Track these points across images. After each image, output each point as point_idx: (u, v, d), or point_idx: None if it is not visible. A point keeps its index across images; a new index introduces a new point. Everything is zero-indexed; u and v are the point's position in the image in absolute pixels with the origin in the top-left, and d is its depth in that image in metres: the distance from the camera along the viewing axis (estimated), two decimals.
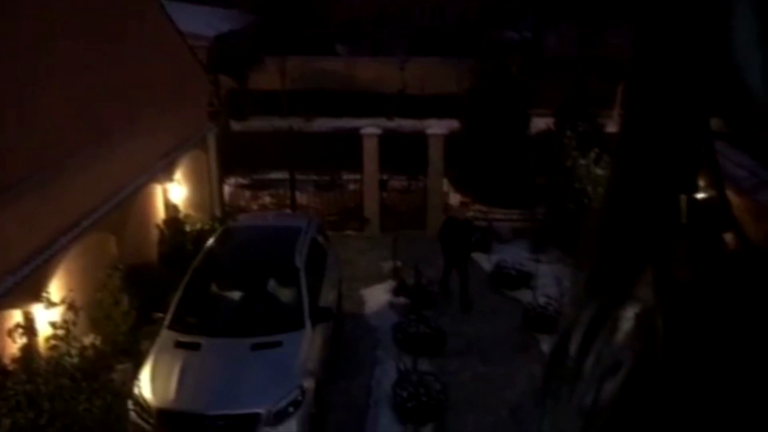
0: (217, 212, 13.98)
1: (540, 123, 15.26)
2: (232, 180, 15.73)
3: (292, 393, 7.86)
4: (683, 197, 0.42)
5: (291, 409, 7.79)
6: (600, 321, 0.46)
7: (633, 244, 0.44)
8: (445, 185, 15.15)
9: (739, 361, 0.38)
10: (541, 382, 0.52)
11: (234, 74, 19.72)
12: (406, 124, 17.19)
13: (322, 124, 17.36)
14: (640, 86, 0.43)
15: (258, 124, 16.88)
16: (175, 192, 12.15)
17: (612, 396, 0.46)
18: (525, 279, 12.05)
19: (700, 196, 0.42)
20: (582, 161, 12.61)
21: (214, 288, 9.44)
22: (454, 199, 15.35)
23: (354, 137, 14.84)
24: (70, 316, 8.16)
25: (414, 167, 14.94)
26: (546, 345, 10.27)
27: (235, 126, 16.74)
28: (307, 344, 8.53)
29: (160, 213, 11.87)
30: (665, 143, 0.41)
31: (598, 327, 0.46)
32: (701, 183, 0.43)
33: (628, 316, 0.45)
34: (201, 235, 11.33)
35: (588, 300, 0.47)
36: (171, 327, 8.65)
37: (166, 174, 11.95)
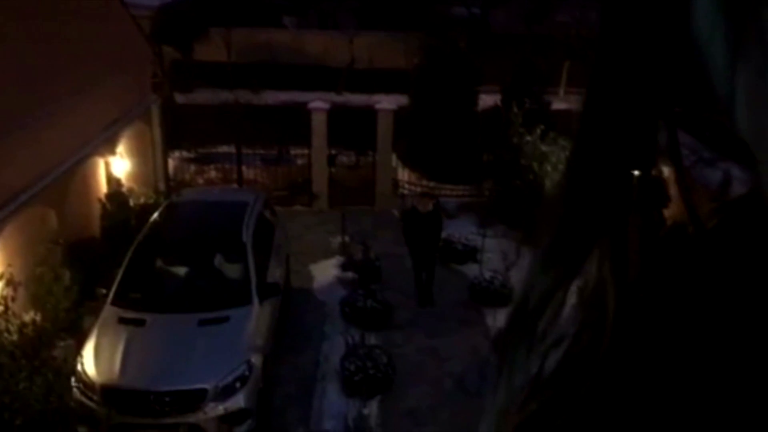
0: (162, 186, 13.74)
1: (487, 99, 15.38)
2: (176, 154, 15.43)
3: (239, 368, 7.84)
4: (635, 174, 0.43)
5: (238, 385, 7.77)
6: (551, 293, 0.47)
7: (588, 217, 0.45)
8: (394, 161, 15.19)
9: (685, 343, 0.39)
10: (497, 354, 0.52)
11: (178, 45, 19.26)
12: (355, 98, 17.13)
13: (270, 97, 17.15)
14: (602, 64, 0.43)
15: (203, 96, 16.59)
16: (117, 165, 11.87)
17: (554, 369, 0.46)
18: (471, 253, 12.23)
19: (650, 173, 0.44)
20: (528, 138, 12.79)
21: (158, 263, 9.30)
22: (403, 174, 15.42)
23: (302, 111, 14.72)
24: (9, 292, 7.94)
25: (363, 142, 14.92)
26: (491, 318, 10.46)
27: (180, 98, 16.39)
28: (255, 319, 8.50)
29: (103, 187, 11.60)
30: (625, 122, 0.42)
31: (549, 299, 0.47)
32: (659, 162, 0.44)
33: (578, 290, 0.46)
34: (145, 210, 11.12)
35: (543, 272, 0.48)
36: (114, 303, 8.50)
37: (109, 147, 11.66)
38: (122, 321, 8.27)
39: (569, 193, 0.46)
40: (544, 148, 12.64)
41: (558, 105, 15.23)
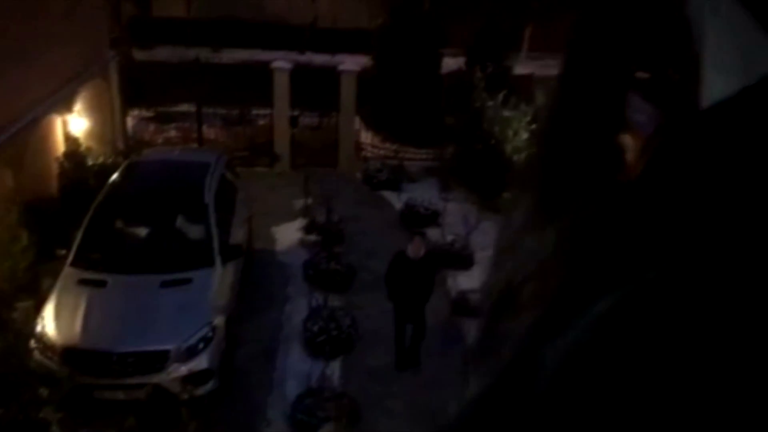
0: (121, 145, 13.51)
1: (451, 62, 15.36)
2: (135, 112, 15.14)
3: (202, 329, 7.89)
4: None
5: (201, 346, 7.83)
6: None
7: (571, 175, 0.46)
8: (357, 123, 15.14)
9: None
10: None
11: (136, 0, 18.75)
12: (318, 58, 16.93)
13: (231, 55, 16.83)
14: (583, 33, 0.47)
15: (163, 53, 16.21)
16: (75, 124, 11.62)
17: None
18: (433, 217, 12.35)
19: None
20: (490, 102, 12.85)
21: (119, 224, 9.22)
22: (366, 136, 15.38)
23: (264, 70, 14.52)
24: None
25: (326, 103, 14.81)
26: (451, 280, 10.63)
27: (139, 55, 15.99)
28: (218, 281, 8.52)
29: (60, 146, 11.35)
30: (602, 86, 0.46)
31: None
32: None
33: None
34: (104, 169, 10.95)
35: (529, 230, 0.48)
36: (74, 264, 8.44)
37: (66, 105, 11.39)
38: (82, 282, 8.22)
39: (551, 151, 0.49)
40: (505, 113, 12.74)
41: (520, 69, 15.29)
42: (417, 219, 12.39)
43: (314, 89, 14.37)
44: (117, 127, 13.88)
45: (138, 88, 14.53)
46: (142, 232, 9.12)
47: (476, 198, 12.95)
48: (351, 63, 15.03)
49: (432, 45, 15.15)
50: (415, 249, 8.51)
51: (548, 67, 16.39)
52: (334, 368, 8.62)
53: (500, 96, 12.78)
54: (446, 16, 16.23)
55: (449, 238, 11.27)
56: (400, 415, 8.10)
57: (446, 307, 9.96)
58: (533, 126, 12.86)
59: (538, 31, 18.30)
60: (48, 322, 7.74)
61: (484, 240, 11.65)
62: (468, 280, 10.33)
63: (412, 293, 8.43)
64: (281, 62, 14.63)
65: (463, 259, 10.94)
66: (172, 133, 15.37)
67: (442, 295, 10.27)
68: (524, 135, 12.80)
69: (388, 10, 15.72)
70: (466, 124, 13.26)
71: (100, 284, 8.22)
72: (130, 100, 14.54)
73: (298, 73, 14.60)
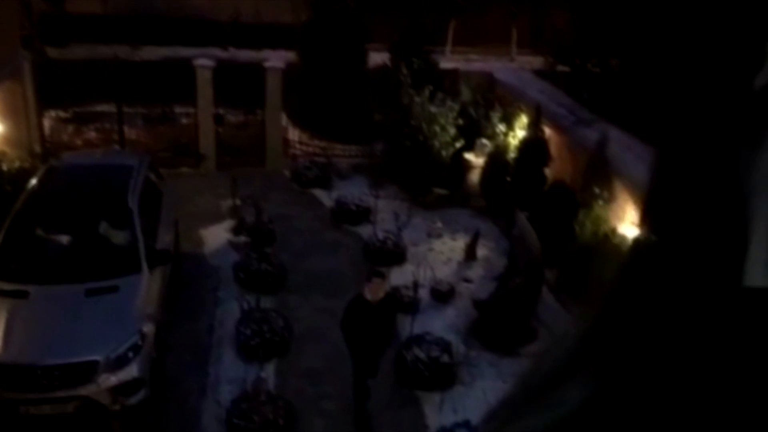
0: (38, 149, 13.00)
1: (376, 58, 15.37)
2: (52, 113, 14.56)
3: (131, 338, 7.70)
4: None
5: (131, 354, 7.65)
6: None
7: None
8: (284, 119, 14.99)
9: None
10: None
11: None
12: (242, 54, 16.61)
13: (151, 52, 16.34)
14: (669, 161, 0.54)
15: (79, 51, 15.57)
16: None
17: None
18: (365, 214, 12.38)
19: None
20: (417, 98, 12.93)
21: (40, 232, 8.87)
22: (293, 134, 15.26)
23: (186, 68, 14.20)
24: None
25: (251, 100, 14.61)
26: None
27: (53, 54, 15.34)
28: (145, 288, 8.33)
29: None
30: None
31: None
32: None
33: None
34: (20, 175, 10.54)
35: None
36: None
37: None
38: (2, 294, 7.93)
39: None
40: (432, 109, 12.85)
41: (445, 64, 15.44)
42: (348, 216, 12.42)
43: (239, 86, 14.16)
44: (33, 129, 13.34)
45: (54, 88, 13.98)
46: (64, 239, 8.80)
47: (406, 194, 13.05)
48: (276, 59, 14.87)
49: (357, 41, 15.13)
50: (373, 290, 7.50)
51: (472, 62, 16.65)
52: (269, 371, 8.56)
53: (427, 91, 12.88)
54: (370, 11, 16.23)
55: (381, 235, 11.32)
56: (335, 416, 8.11)
57: None
58: (460, 121, 13.04)
59: (462, 26, 18.54)
60: None
61: (416, 236, 11.79)
62: (401, 276, 10.41)
63: (371, 341, 7.52)
64: (204, 59, 14.35)
65: (395, 255, 11.02)
66: (92, 135, 14.86)
67: None
68: (451, 130, 12.96)
69: (312, 6, 15.60)
70: (394, 121, 13.32)
71: (22, 295, 7.92)
72: (45, 101, 13.98)
73: (222, 69, 14.35)
